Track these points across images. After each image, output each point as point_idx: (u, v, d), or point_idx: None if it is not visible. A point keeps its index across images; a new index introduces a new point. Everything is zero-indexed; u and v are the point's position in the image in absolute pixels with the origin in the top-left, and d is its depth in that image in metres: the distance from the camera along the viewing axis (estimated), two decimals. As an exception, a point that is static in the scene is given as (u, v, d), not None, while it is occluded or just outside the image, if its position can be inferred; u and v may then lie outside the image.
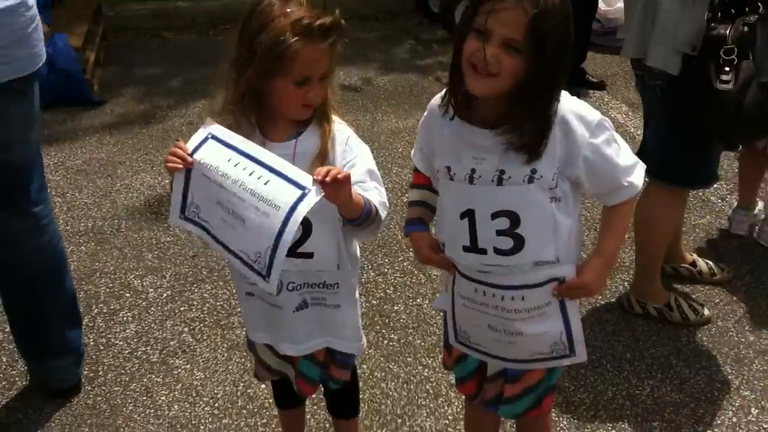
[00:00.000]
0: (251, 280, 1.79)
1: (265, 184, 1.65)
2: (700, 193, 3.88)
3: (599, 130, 1.65)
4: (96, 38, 5.87)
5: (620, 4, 5.77)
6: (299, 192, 1.63)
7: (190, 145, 1.74)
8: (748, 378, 2.71)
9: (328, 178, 1.61)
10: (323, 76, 1.76)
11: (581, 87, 5.21)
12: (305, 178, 1.64)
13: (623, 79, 5.40)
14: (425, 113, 1.86)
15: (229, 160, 1.69)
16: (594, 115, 1.65)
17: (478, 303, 1.79)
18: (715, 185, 3.88)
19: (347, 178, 1.65)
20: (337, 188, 1.63)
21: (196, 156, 1.73)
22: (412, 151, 1.94)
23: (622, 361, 2.80)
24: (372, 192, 1.81)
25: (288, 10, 1.72)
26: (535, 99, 1.59)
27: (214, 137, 1.73)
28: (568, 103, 1.64)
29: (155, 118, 5.01)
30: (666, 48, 2.54)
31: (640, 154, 2.90)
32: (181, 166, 1.74)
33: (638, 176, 1.72)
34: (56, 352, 2.59)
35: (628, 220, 1.82)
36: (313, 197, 1.62)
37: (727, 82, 2.43)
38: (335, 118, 1.87)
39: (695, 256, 3.27)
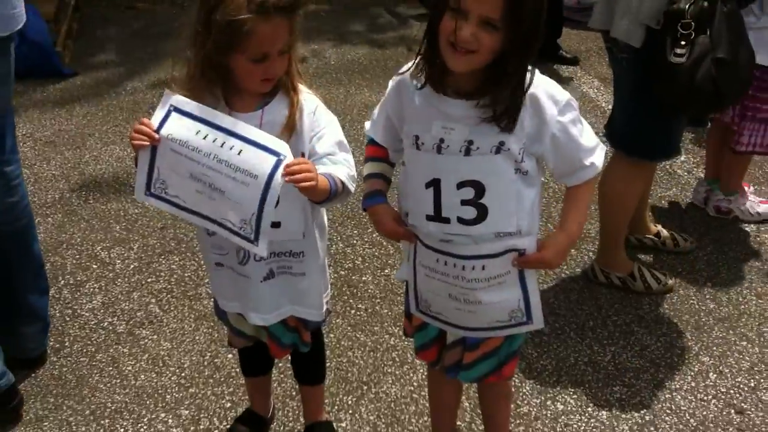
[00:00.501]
0: (232, 246, 1.85)
1: (239, 153, 1.66)
2: (667, 166, 3.91)
3: (567, 109, 1.68)
4: (68, 9, 5.80)
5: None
6: (274, 159, 1.65)
7: (155, 120, 1.73)
8: (707, 344, 2.76)
9: (292, 179, 1.64)
10: (282, 50, 1.73)
11: (555, 62, 5.22)
12: (278, 144, 1.66)
13: (597, 55, 5.41)
14: (393, 83, 1.84)
15: (197, 133, 1.70)
16: (563, 94, 1.69)
17: (439, 273, 1.81)
18: (681, 158, 3.95)
19: (312, 187, 1.67)
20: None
21: (163, 131, 1.72)
22: (367, 124, 1.92)
23: (585, 329, 2.84)
24: (340, 166, 1.81)
25: None
26: (511, 71, 1.61)
27: (177, 110, 1.72)
28: (539, 81, 1.67)
29: (126, 90, 4.97)
30: (629, 20, 2.56)
31: (608, 126, 2.94)
32: (147, 143, 1.73)
33: (599, 157, 1.75)
34: (24, 318, 2.57)
35: (590, 198, 1.83)
36: (289, 161, 1.64)
37: (681, 55, 2.46)
38: (303, 88, 1.86)
39: (659, 227, 3.30)
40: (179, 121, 1.71)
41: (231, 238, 1.75)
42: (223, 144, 1.67)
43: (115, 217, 3.57)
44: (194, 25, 1.74)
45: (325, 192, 1.74)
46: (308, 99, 1.85)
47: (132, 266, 3.23)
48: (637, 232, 3.24)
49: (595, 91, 4.84)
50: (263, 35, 1.67)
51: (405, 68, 1.80)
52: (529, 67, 1.66)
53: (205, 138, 1.69)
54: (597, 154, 1.75)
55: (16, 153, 2.45)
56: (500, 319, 1.83)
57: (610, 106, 4.50)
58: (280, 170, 1.64)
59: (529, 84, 1.65)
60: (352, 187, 1.83)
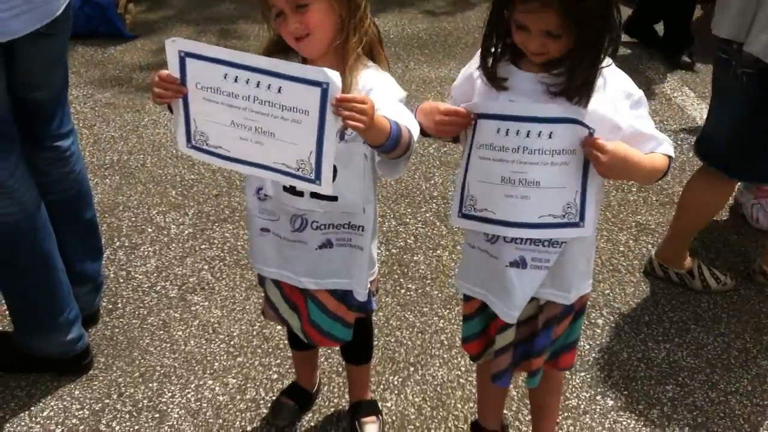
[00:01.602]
0: (285, 212, 1.83)
1: (279, 91, 1.54)
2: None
3: (639, 105, 1.70)
4: (131, -28, 5.84)
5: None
6: (319, 89, 1.50)
7: (173, 72, 1.62)
8: (766, 347, 2.67)
9: (341, 113, 1.51)
10: (297, 4, 1.67)
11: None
12: (316, 73, 1.51)
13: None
14: (460, 79, 1.83)
15: (225, 76, 1.57)
16: (637, 90, 1.70)
17: (497, 148, 1.67)
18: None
19: (365, 122, 1.53)
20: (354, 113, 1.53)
21: (188, 82, 1.61)
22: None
23: (640, 324, 2.77)
24: (403, 115, 1.70)
25: None
26: (585, 57, 1.60)
27: (189, 54, 1.59)
28: (615, 74, 1.68)
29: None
30: None
31: (702, 142, 2.78)
32: (171, 95, 1.65)
33: (668, 148, 1.73)
34: (74, 278, 2.59)
35: (658, 167, 1.72)
36: (336, 87, 1.50)
37: None
38: (370, 65, 1.80)
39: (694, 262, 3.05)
40: (200, 67, 1.59)
41: (289, 182, 1.66)
42: (258, 84, 1.54)
43: (171, 182, 3.59)
44: None
45: (385, 133, 1.60)
46: (368, 75, 1.77)
47: (186, 232, 3.25)
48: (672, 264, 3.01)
49: (661, 77, 4.71)
50: None
51: (471, 68, 1.79)
52: (609, 61, 1.65)
53: (236, 80, 1.56)
54: (666, 145, 1.73)
55: (68, 126, 2.47)
56: (554, 212, 1.68)
57: (676, 94, 4.43)
58: (330, 100, 1.50)
59: (607, 68, 1.65)
60: (416, 134, 1.70)
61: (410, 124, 1.69)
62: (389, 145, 1.63)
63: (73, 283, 2.57)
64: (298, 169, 1.60)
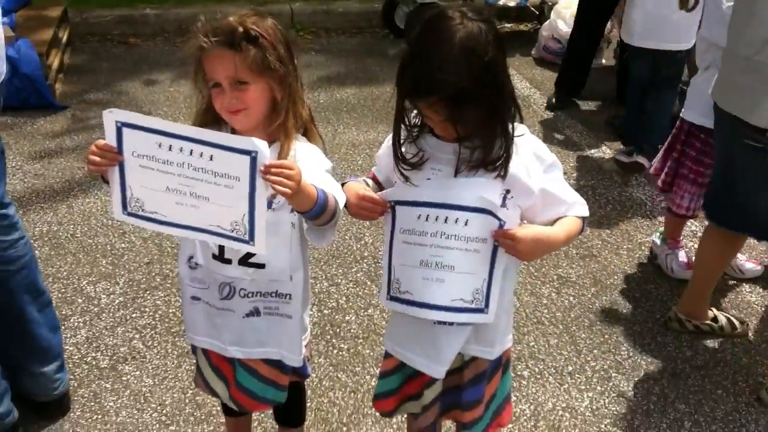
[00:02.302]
0: (214, 280, 1.88)
1: (211, 159, 1.62)
2: (647, 212, 3.99)
3: (552, 169, 1.81)
4: (61, 43, 5.87)
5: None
6: (248, 157, 1.59)
7: (110, 141, 1.68)
8: (683, 392, 2.80)
9: (269, 178, 1.59)
10: (236, 81, 1.77)
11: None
12: (245, 142, 1.60)
13: (581, 99, 5.50)
14: (384, 149, 1.92)
15: (160, 146, 1.64)
16: (549, 155, 1.81)
17: (417, 233, 1.77)
18: (663, 204, 4.02)
19: (293, 188, 1.61)
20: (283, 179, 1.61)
21: (125, 150, 1.68)
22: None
23: (564, 374, 2.88)
24: (329, 184, 1.80)
25: (209, 22, 1.80)
26: (494, 130, 1.71)
27: (125, 125, 1.66)
28: (528, 140, 1.79)
29: (117, 124, 5.01)
30: None
31: (710, 204, 2.86)
32: (106, 163, 1.69)
33: (581, 209, 1.84)
34: (38, 356, 2.53)
35: (572, 231, 1.81)
36: (264, 155, 1.58)
37: None
38: (302, 138, 1.90)
39: (715, 311, 3.16)
40: (136, 136, 1.66)
41: (224, 243, 1.72)
42: (191, 152, 1.62)
43: (102, 252, 3.60)
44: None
45: (312, 199, 1.68)
46: (302, 148, 1.87)
47: (117, 301, 3.25)
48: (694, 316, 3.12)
49: (578, 135, 4.93)
50: (210, 59, 1.78)
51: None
52: (523, 129, 1.77)
53: (170, 149, 1.63)
54: (578, 207, 1.83)
55: (6, 195, 2.45)
56: (464, 296, 1.79)
57: (593, 151, 4.64)
58: (259, 167, 1.59)
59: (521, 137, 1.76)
60: (342, 202, 1.79)
61: (336, 193, 1.78)
62: (316, 212, 1.71)
63: (41, 362, 2.52)
64: (232, 231, 1.67)
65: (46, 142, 4.73)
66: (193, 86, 1.88)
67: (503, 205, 1.75)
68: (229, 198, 1.64)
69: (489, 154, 1.71)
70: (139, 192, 1.72)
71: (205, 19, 1.82)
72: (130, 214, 1.75)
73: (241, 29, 1.76)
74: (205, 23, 1.80)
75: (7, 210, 2.41)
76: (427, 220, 1.75)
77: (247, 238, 1.67)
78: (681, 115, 3.25)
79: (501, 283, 1.80)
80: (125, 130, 1.67)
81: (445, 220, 1.74)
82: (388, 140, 1.88)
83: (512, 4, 6.67)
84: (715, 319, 3.07)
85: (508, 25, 7.23)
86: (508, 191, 1.75)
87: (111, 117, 1.67)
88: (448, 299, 1.79)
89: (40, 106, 5.10)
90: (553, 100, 5.35)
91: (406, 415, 2.34)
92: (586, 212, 1.85)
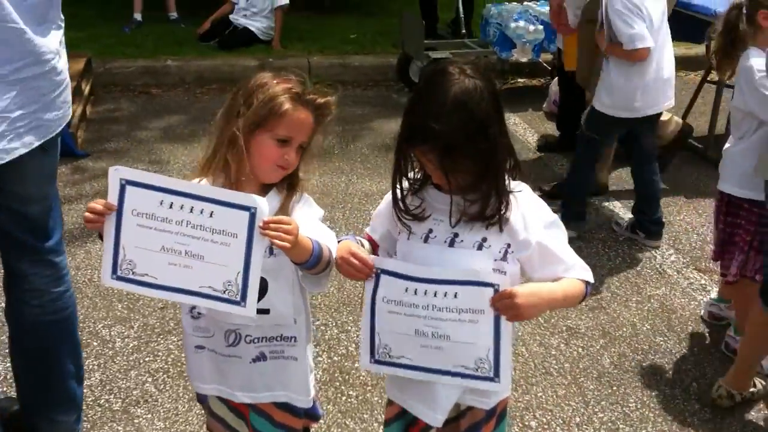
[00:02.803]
0: (219, 328, 1.90)
1: (211, 216, 1.68)
2: (657, 265, 4.02)
3: (553, 227, 1.84)
4: (84, 93, 6.03)
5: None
6: (247, 213, 1.66)
7: (111, 199, 1.73)
8: (690, 445, 2.81)
9: (268, 234, 1.67)
10: (301, 144, 1.89)
11: None
12: (246, 199, 1.67)
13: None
14: (384, 204, 1.96)
15: (161, 203, 1.69)
16: (552, 215, 1.85)
17: (407, 305, 1.78)
18: (672, 258, 4.06)
19: (291, 242, 1.69)
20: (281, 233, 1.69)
21: (125, 210, 1.72)
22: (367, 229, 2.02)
23: (571, 425, 2.89)
24: (325, 236, 1.87)
25: (285, 81, 1.89)
26: (491, 183, 1.77)
27: (129, 182, 1.71)
28: (528, 198, 1.84)
29: (136, 172, 5.12)
30: None
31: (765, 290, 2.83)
32: (101, 219, 1.74)
33: (582, 272, 1.85)
34: (62, 406, 2.58)
35: (571, 292, 1.82)
36: (263, 211, 1.65)
37: None
38: (306, 195, 1.97)
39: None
40: (138, 194, 1.70)
41: (214, 306, 1.75)
42: (192, 209, 1.67)
43: (118, 296, 3.66)
44: (228, 103, 1.92)
45: (307, 251, 1.76)
46: (305, 200, 1.96)
47: (131, 345, 3.31)
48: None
49: (590, 189, 4.99)
50: (294, 119, 1.86)
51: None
52: (524, 186, 1.83)
53: (171, 206, 1.68)
54: (579, 270, 1.84)
55: (63, 243, 2.54)
56: (466, 364, 1.80)
57: (603, 204, 4.69)
58: (258, 223, 1.65)
59: (518, 193, 1.81)
60: (335, 253, 1.84)
61: (330, 243, 1.86)
62: (312, 263, 1.80)
63: (61, 412, 2.58)
64: (224, 291, 1.71)
65: (67, 189, 4.84)
66: (228, 126, 1.88)
67: (503, 258, 1.79)
68: (225, 256, 1.69)
69: (485, 207, 1.76)
70: (133, 253, 1.74)
71: (281, 77, 1.91)
72: (119, 278, 1.77)
73: (331, 107, 1.93)
74: (300, 80, 1.91)
75: (59, 259, 2.50)
76: (415, 293, 1.77)
77: (238, 299, 1.71)
78: (719, 187, 3.21)
79: (509, 352, 1.81)
80: (128, 188, 1.72)
81: (434, 294, 1.76)
82: (388, 196, 1.93)
83: (524, 60, 6.79)
84: (754, 384, 3.05)
85: (521, 80, 7.36)
86: (509, 245, 1.80)
87: (116, 174, 1.72)
88: (449, 365, 1.81)
89: (62, 154, 5.17)
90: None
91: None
92: (588, 276, 1.85)
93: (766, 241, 2.93)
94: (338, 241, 1.89)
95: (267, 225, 1.68)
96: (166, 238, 1.71)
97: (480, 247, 1.79)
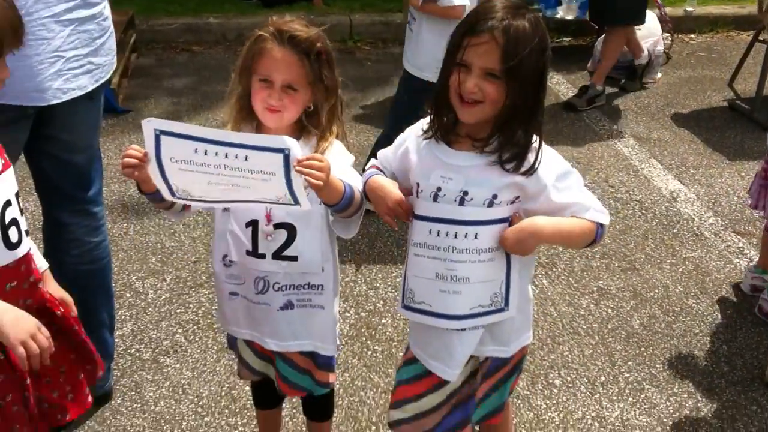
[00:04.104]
0: (250, 275, 1.98)
1: (246, 159, 1.71)
2: (695, 228, 3.94)
3: (565, 177, 1.81)
4: (126, 49, 6.08)
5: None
6: (281, 155, 1.69)
7: (149, 149, 1.76)
8: (717, 407, 2.77)
9: (302, 171, 1.69)
10: (287, 85, 1.86)
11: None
12: (276, 141, 1.70)
13: (634, 113, 5.47)
14: (400, 139, 1.96)
15: (196, 151, 1.73)
16: (561, 165, 1.82)
17: (430, 247, 1.82)
18: (711, 220, 3.98)
19: (323, 180, 1.71)
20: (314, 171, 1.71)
21: (163, 157, 1.76)
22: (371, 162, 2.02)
23: (596, 384, 2.87)
24: (353, 178, 1.89)
25: (281, 22, 1.89)
26: (517, 118, 1.73)
27: (164, 132, 1.74)
28: (542, 151, 1.79)
29: (175, 129, 5.17)
30: None
31: None
32: (140, 166, 1.77)
33: (595, 215, 1.82)
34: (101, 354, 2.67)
35: (576, 230, 1.81)
36: (295, 152, 1.68)
37: None
38: (337, 141, 1.97)
39: None
40: (173, 143, 1.74)
41: (274, 206, 1.83)
42: (227, 155, 1.71)
43: (152, 250, 3.73)
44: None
45: (339, 192, 1.79)
46: (336, 147, 1.95)
47: (163, 297, 3.37)
48: None
49: (629, 149, 4.89)
50: (271, 57, 1.86)
51: (415, 129, 1.92)
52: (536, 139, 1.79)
53: (206, 153, 1.72)
54: (592, 212, 1.81)
55: (102, 193, 2.60)
56: (482, 302, 1.84)
57: (643, 165, 4.61)
58: (292, 163, 1.69)
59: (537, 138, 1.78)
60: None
61: (361, 187, 1.87)
62: (343, 204, 1.82)
63: None
64: (278, 199, 1.77)
65: (106, 144, 4.90)
66: (236, 74, 1.96)
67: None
68: (269, 187, 1.74)
69: (504, 152, 1.75)
70: (184, 185, 1.81)
71: (277, 19, 1.91)
72: (179, 198, 1.84)
73: (313, 41, 1.86)
74: (277, 21, 1.90)
75: (98, 209, 2.56)
76: (438, 234, 1.80)
77: (292, 202, 1.76)
78: None
79: (517, 279, 1.83)
80: (163, 138, 1.75)
81: (455, 235, 1.78)
82: (401, 138, 1.93)
83: (570, 17, 6.63)
84: None
85: (566, 39, 7.20)
86: (517, 197, 1.78)
87: (149, 126, 1.76)
88: (467, 308, 1.84)
89: (104, 109, 5.29)
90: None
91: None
92: (602, 219, 1.83)
93: None
94: (367, 174, 1.89)
95: (299, 162, 1.69)
96: (210, 177, 1.76)
97: (491, 204, 1.78)
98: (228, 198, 1.82)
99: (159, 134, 1.75)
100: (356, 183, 1.88)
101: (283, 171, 1.70)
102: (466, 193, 1.77)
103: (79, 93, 2.25)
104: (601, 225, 1.84)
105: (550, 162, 1.80)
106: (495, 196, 1.76)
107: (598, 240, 1.87)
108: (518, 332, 1.95)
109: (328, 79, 1.91)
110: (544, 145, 1.82)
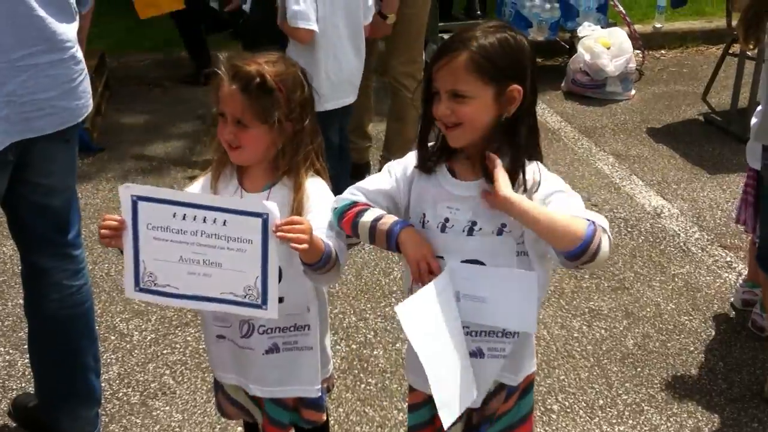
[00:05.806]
0: (235, 318, 1.91)
1: (224, 224, 1.70)
2: (681, 243, 3.94)
3: (556, 194, 1.75)
4: (98, 87, 6.01)
5: (605, 61, 5.92)
6: (260, 220, 1.68)
7: (126, 217, 1.74)
8: (717, 425, 2.74)
9: (284, 236, 1.67)
10: (236, 119, 1.83)
11: None
12: (256, 206, 1.69)
13: (611, 131, 5.49)
14: (403, 169, 1.88)
15: (174, 215, 1.71)
16: (555, 184, 1.77)
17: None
18: (696, 235, 3.98)
19: (306, 242, 1.68)
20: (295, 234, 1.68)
21: (140, 224, 1.73)
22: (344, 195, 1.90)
23: (594, 408, 2.83)
24: (332, 239, 1.85)
25: (235, 57, 1.87)
26: (507, 132, 1.72)
27: (141, 198, 1.73)
28: (539, 172, 1.77)
29: (152, 167, 5.11)
30: None
31: (762, 254, 2.82)
32: (117, 235, 1.74)
33: (594, 216, 1.72)
34: (84, 400, 2.58)
35: (561, 221, 1.65)
36: (275, 216, 1.66)
37: None
38: (314, 176, 1.94)
39: None
40: (151, 209, 1.73)
41: (237, 311, 1.78)
42: (204, 219, 1.70)
43: (135, 290, 3.64)
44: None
45: (319, 252, 1.75)
46: (313, 184, 1.93)
47: (149, 338, 3.29)
48: None
49: (610, 167, 4.90)
50: (222, 92, 1.84)
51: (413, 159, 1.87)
52: (538, 164, 1.77)
53: (184, 218, 1.71)
54: (588, 214, 1.70)
55: (81, 236, 2.54)
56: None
57: (624, 183, 4.61)
58: (271, 227, 1.67)
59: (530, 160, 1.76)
60: (343, 258, 1.84)
61: (341, 248, 1.84)
62: (321, 263, 1.78)
63: (82, 406, 2.58)
64: (245, 296, 1.74)
65: (83, 183, 4.83)
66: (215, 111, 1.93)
67: (521, 241, 1.76)
68: (242, 262, 1.71)
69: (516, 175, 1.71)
70: (153, 265, 1.77)
71: (233, 55, 1.90)
72: (142, 290, 1.80)
73: (258, 79, 1.81)
74: (231, 58, 1.87)
75: (78, 252, 2.50)
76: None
77: (260, 302, 1.74)
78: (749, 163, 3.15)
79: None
80: (140, 204, 1.73)
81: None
82: (408, 160, 1.87)
83: (541, 38, 6.68)
84: None
85: (539, 60, 7.24)
86: (504, 225, 1.74)
87: (126, 192, 1.74)
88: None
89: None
90: None
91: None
92: (599, 220, 1.68)
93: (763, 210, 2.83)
94: (397, 225, 1.78)
95: (280, 227, 1.67)
96: (183, 248, 1.74)
97: (500, 233, 1.75)
98: (193, 291, 1.77)
99: (136, 200, 1.73)
100: (334, 242, 1.82)
101: (260, 238, 1.68)
102: (474, 222, 1.75)
103: (31, 135, 2.19)
104: (594, 223, 1.67)
105: (546, 181, 1.77)
106: (504, 225, 1.74)
107: (592, 242, 1.64)
108: (529, 359, 1.94)
109: (283, 119, 1.85)
110: (543, 167, 1.80)
